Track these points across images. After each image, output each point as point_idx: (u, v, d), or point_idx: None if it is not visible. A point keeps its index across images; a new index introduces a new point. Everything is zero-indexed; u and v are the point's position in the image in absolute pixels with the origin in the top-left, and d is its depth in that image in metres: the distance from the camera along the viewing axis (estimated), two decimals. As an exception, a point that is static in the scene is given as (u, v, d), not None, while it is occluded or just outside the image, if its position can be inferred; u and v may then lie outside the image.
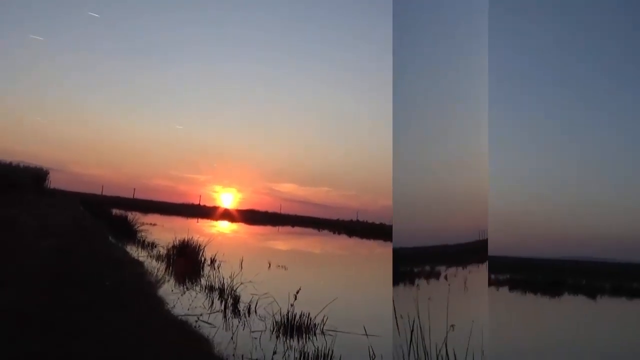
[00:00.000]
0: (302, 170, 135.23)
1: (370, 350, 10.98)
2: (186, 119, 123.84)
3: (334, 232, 77.30)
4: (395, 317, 8.73)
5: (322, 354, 10.91)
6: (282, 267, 25.82)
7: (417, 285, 9.25)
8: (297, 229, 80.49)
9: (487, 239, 9.13)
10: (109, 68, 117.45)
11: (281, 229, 77.83)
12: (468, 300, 9.43)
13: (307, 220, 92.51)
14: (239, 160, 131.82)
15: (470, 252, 9.17)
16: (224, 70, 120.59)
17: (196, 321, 12.74)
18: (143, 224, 37.95)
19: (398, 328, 8.51)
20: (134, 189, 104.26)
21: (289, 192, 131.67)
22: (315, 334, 13.15)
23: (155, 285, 16.60)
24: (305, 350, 11.32)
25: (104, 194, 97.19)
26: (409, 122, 9.10)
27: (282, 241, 53.49)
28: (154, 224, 46.72)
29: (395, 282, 9.20)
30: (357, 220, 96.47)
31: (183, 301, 15.17)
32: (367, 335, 12.54)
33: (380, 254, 47.48)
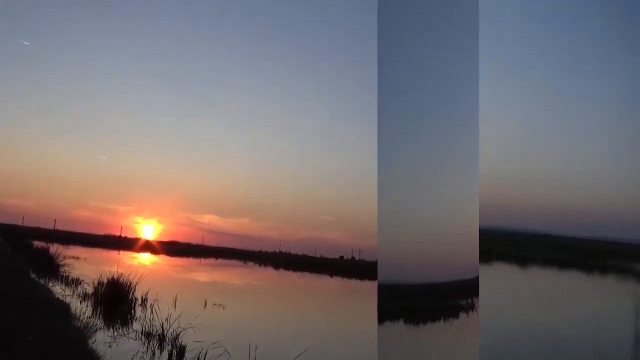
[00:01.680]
0: (224, 201, 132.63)
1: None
2: (110, 149, 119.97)
3: (260, 264, 74.65)
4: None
5: None
6: (219, 305, 23.12)
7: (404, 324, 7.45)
8: (220, 260, 77.65)
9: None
10: (36, 97, 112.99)
11: (204, 260, 74.94)
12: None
13: (230, 252, 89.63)
14: (161, 191, 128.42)
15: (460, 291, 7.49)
16: (145, 103, 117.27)
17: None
18: (65, 257, 34.79)
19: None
20: (55, 220, 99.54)
21: (211, 223, 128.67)
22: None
23: (84, 333, 13.91)
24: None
25: (24, 224, 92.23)
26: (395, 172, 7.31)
27: (208, 273, 50.70)
28: (77, 257, 43.44)
29: (381, 320, 7.40)
30: (280, 252, 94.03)
31: (118, 353, 12.56)
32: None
33: (321, 287, 45.19)
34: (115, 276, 21.36)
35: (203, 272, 51.23)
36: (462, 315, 7.41)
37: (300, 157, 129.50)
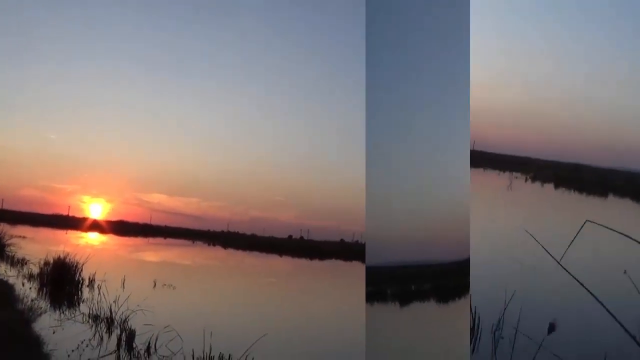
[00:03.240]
0: (172, 180, 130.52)
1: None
2: (56, 127, 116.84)
3: (209, 244, 73.43)
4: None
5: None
6: (169, 285, 22.12)
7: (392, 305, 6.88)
8: (169, 240, 76.19)
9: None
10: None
11: (152, 240, 73.50)
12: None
13: (178, 232, 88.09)
14: (108, 170, 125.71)
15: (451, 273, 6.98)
16: (94, 78, 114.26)
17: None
18: (12, 236, 33.30)
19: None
20: (2, 199, 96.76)
21: (159, 202, 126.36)
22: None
23: (28, 316, 12.93)
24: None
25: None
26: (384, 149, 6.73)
27: (157, 253, 49.46)
28: (24, 237, 41.85)
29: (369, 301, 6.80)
30: (229, 231, 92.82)
31: (64, 338, 11.61)
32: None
33: (255, 265, 44.43)
34: (62, 256, 20.22)
35: (152, 252, 50.01)
36: (453, 296, 6.81)
37: (252, 136, 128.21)
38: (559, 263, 5.38)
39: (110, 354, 10.92)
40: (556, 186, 42.85)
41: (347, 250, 60.56)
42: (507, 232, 20.55)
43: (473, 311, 9.01)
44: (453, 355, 6.61)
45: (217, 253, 58.46)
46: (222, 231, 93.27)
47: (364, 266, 6.71)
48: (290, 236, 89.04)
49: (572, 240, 5.80)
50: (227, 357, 10.20)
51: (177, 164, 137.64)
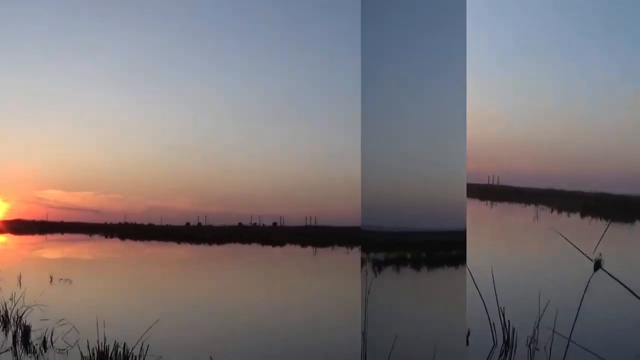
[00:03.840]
0: (67, 175, 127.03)
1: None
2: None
3: (106, 236, 72.21)
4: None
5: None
6: (65, 280, 21.97)
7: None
8: (67, 235, 74.64)
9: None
10: None
11: (50, 236, 71.79)
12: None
13: (76, 226, 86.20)
14: (2, 168, 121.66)
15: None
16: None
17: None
18: None
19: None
20: None
21: (56, 198, 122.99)
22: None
23: None
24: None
25: None
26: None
27: (54, 249, 48.44)
28: None
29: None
30: (126, 223, 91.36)
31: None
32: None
33: (152, 254, 44.19)
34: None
35: (49, 249, 48.97)
36: (449, 265, 7.18)
37: (145, 123, 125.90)
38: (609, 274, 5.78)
39: (6, 350, 10.98)
40: (582, 215, 43.37)
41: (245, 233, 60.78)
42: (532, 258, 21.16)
43: (507, 326, 9.14)
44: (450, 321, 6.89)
45: (115, 245, 57.72)
46: (120, 223, 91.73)
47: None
48: (187, 223, 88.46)
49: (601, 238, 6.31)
50: (122, 345, 10.40)
51: (72, 159, 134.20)
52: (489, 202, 49.19)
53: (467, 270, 8.76)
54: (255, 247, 46.06)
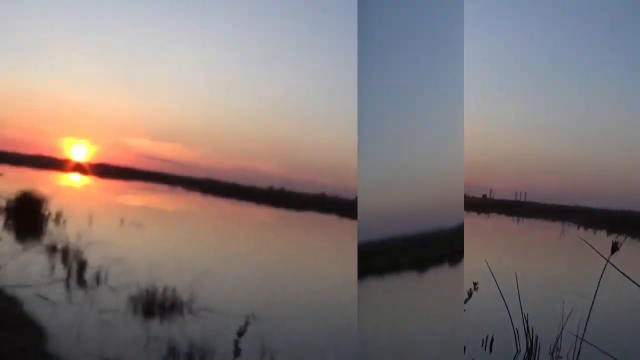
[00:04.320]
0: (156, 125, 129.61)
1: (261, 340, 8.03)
2: (41, 68, 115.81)
3: (188, 190, 73.48)
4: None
5: (199, 348, 7.71)
6: (136, 224, 22.11)
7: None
8: (149, 184, 76.25)
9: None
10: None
11: (133, 184, 73.38)
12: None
13: (159, 177, 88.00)
14: (93, 112, 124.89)
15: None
16: (79, 19, 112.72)
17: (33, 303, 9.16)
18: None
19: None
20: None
21: (142, 146, 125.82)
22: (182, 315, 9.97)
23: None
24: (174, 340, 8.08)
25: None
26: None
27: (134, 196, 49.30)
28: (0, 174, 41.62)
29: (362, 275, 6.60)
30: (210, 179, 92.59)
31: (17, 266, 11.62)
32: (252, 318, 9.50)
33: (234, 212, 44.40)
34: (29, 190, 20.19)
35: (129, 195, 49.89)
36: (447, 264, 6.75)
37: (240, 84, 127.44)
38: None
39: (58, 282, 10.93)
40: (609, 233, 42.37)
41: (327, 203, 60.68)
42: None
43: (531, 333, 8.89)
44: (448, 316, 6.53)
45: (194, 198, 58.43)
46: (204, 178, 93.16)
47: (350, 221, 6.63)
48: (270, 187, 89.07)
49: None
50: (171, 290, 10.22)
51: (163, 110, 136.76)
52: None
53: (491, 271, 8.42)
54: (332, 219, 45.84)
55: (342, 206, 52.20)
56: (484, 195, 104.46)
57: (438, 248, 6.39)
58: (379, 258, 6.47)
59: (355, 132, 6.09)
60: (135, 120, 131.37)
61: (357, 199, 5.79)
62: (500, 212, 75.44)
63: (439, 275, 6.59)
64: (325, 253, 23.26)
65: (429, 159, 6.62)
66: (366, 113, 6.10)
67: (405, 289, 6.49)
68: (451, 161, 6.47)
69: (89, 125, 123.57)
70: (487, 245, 28.17)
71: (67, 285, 10.79)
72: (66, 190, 38.42)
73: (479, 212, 71.48)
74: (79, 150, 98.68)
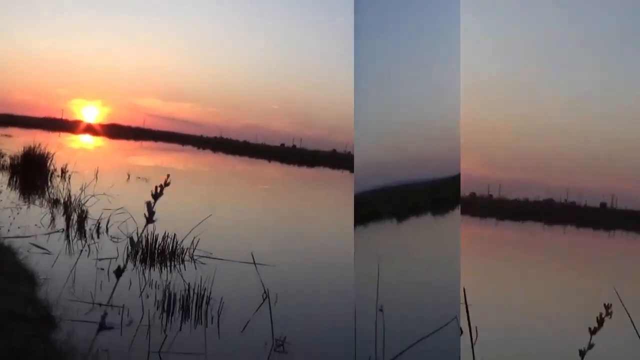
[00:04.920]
0: (166, 85, 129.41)
1: (263, 284, 7.82)
2: (54, 32, 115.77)
3: (198, 148, 73.39)
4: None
5: (197, 293, 7.50)
6: (143, 179, 21.91)
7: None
8: (160, 144, 76.11)
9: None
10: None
11: (144, 143, 73.21)
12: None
13: (170, 136, 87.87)
14: (103, 73, 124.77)
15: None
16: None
17: (28, 251, 8.92)
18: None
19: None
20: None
21: (153, 107, 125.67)
22: (183, 262, 9.78)
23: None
24: (170, 285, 7.87)
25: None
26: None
27: (144, 156, 49.09)
28: (9, 136, 41.48)
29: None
30: (221, 137, 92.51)
31: (17, 219, 11.44)
32: (254, 264, 9.30)
33: (244, 171, 44.24)
34: (33, 147, 19.99)
35: (141, 156, 49.67)
36: (443, 209, 6.60)
37: (252, 43, 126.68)
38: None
39: (58, 231, 10.75)
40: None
41: (338, 159, 60.52)
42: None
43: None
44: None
45: (205, 155, 58.35)
46: (215, 137, 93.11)
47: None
48: (282, 144, 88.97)
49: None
50: (172, 237, 10.02)
51: (173, 69, 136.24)
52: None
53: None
54: (344, 174, 45.58)
55: (349, 161, 52.12)
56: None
57: (433, 195, 6.25)
58: (376, 205, 6.30)
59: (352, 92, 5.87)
60: (146, 80, 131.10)
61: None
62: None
63: (433, 222, 6.45)
64: (332, 203, 23.09)
65: (424, 112, 6.43)
66: (362, 70, 5.90)
67: (401, 234, 6.34)
68: (447, 115, 6.26)
69: (100, 87, 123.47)
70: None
71: (67, 236, 10.60)
72: (76, 151, 38.17)
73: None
74: (90, 112, 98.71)
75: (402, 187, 6.33)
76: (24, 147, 20.17)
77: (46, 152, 20.18)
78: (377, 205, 6.14)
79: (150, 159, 44.84)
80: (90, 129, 79.81)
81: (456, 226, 6.59)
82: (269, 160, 58.76)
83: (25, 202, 14.06)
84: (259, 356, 6.17)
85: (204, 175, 36.07)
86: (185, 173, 35.04)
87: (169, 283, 8.03)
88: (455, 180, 6.31)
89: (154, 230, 10.02)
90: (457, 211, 6.41)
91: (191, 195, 20.34)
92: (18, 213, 12.14)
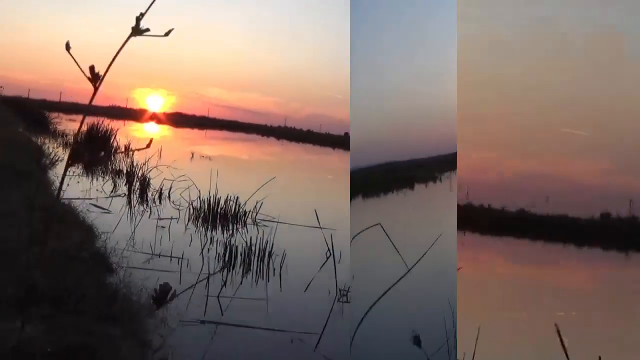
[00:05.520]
0: (231, 74, 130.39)
1: (328, 243, 7.49)
2: (115, 21, 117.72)
3: (262, 135, 73.68)
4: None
5: (258, 248, 7.24)
6: (206, 157, 21.85)
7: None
8: (225, 132, 76.45)
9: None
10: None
11: (209, 132, 73.65)
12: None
13: (235, 125, 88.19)
14: (168, 63, 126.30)
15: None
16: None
17: (87, 210, 8.78)
18: (61, 119, 33.48)
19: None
20: (61, 92, 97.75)
21: (217, 96, 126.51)
22: (245, 225, 9.54)
23: (45, 167, 12.71)
24: (231, 242, 7.63)
25: (30, 97, 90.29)
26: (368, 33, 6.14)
27: (209, 144, 49.34)
28: (74, 120, 42.07)
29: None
30: (285, 126, 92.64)
31: (78, 185, 11.36)
32: (320, 227, 8.98)
33: (310, 160, 44.17)
34: (97, 124, 20.12)
35: (206, 145, 49.93)
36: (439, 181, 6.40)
37: (315, 33, 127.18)
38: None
39: (119, 195, 10.65)
40: None
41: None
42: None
43: None
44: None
45: (269, 142, 58.55)
46: (279, 126, 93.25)
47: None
48: (346, 133, 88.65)
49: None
50: (234, 199, 9.81)
51: (237, 59, 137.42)
52: None
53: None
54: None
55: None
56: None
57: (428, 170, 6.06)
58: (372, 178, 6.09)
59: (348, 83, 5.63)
60: (208, 69, 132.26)
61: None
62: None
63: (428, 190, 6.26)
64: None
65: (421, 87, 6.20)
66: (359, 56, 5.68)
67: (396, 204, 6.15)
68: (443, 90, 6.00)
69: (164, 76, 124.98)
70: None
71: (129, 202, 10.48)
72: (140, 138, 38.52)
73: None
74: (155, 101, 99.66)
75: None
76: (87, 125, 20.29)
77: (110, 129, 20.28)
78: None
79: (215, 148, 45.04)
80: (154, 117, 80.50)
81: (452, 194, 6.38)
82: (333, 148, 58.59)
83: (87, 174, 14.02)
84: (322, 305, 5.90)
85: (269, 162, 36.06)
86: (249, 162, 35.06)
87: (231, 237, 7.81)
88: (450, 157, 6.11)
89: (217, 193, 9.82)
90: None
91: (251, 169, 20.20)
92: (78, 182, 12.05)
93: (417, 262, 4.58)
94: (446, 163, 6.26)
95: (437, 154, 6.40)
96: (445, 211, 6.03)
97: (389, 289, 4.49)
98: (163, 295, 1.50)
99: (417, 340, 3.28)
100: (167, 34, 2.01)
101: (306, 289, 6.49)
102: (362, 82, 5.72)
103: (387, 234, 4.95)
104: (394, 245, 4.88)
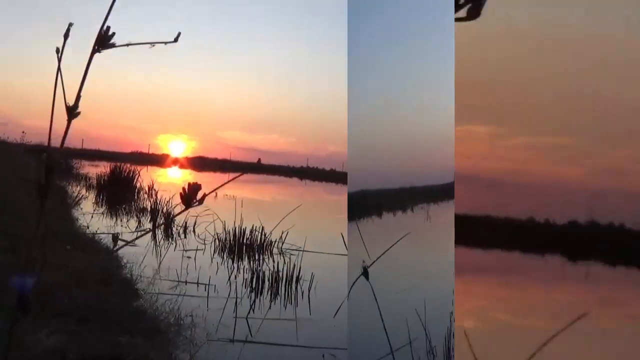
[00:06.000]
0: (249, 117, 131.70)
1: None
2: (141, 69, 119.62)
3: (285, 176, 73.99)
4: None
5: (286, 273, 7.21)
6: (230, 197, 21.88)
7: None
8: (248, 175, 76.81)
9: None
10: (54, 13, 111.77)
11: (231, 175, 74.05)
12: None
13: (257, 167, 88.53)
14: (188, 109, 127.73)
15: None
16: (168, 17, 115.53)
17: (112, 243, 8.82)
18: (84, 164, 33.85)
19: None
20: (82, 139, 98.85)
21: (239, 139, 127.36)
22: (271, 254, 9.51)
23: (69, 206, 12.82)
24: (258, 269, 7.60)
25: (51, 144, 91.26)
26: (365, 65, 6.37)
27: (231, 188, 49.41)
28: (97, 165, 42.50)
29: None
30: (308, 167, 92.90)
31: (102, 221, 11.44)
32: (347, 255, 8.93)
33: (330, 200, 44.19)
34: (120, 166, 20.33)
35: (229, 188, 49.98)
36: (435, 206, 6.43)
37: (327, 71, 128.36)
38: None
39: (144, 230, 10.68)
40: None
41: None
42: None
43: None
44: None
45: (291, 182, 58.71)
46: (302, 166, 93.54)
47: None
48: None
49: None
50: (259, 229, 9.81)
51: (257, 102, 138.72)
52: None
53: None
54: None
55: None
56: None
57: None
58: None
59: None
60: (227, 113, 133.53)
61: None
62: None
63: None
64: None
65: (418, 121, 6.24)
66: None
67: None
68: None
69: (185, 122, 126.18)
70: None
71: (154, 235, 10.50)
72: (168, 186, 38.78)
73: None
74: (177, 146, 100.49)
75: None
76: (110, 167, 20.53)
77: (133, 170, 20.46)
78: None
79: (239, 191, 45.12)
80: (177, 162, 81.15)
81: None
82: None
83: (112, 212, 14.10)
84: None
85: (292, 205, 36.03)
86: (271, 204, 35.12)
87: (257, 265, 7.80)
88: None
89: (242, 224, 9.83)
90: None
91: (275, 207, 20.16)
92: (91, 218, 12.12)
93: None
94: (445, 192, 6.28)
95: (431, 184, 6.43)
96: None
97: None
98: (193, 193, 1.46)
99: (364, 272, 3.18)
100: (176, 40, 2.01)
101: (335, 314, 6.42)
102: (358, 127, 5.78)
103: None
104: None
